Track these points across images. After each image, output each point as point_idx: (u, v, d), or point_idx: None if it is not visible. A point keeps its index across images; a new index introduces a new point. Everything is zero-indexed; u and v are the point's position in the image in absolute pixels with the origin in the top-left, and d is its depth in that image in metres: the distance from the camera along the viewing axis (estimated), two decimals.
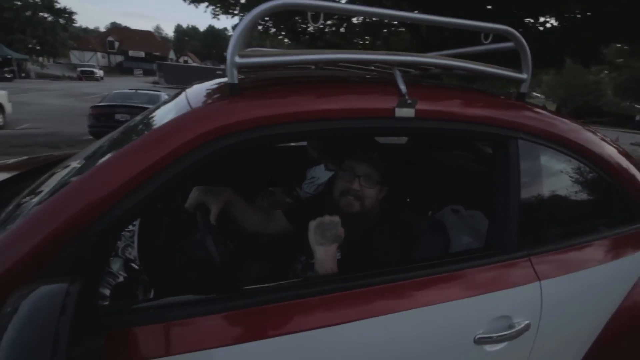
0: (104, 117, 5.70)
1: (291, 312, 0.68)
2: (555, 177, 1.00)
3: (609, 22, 4.26)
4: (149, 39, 48.69)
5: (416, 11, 5.50)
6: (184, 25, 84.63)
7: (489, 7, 5.16)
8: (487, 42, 0.90)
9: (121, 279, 0.73)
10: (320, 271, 0.87)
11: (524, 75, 0.92)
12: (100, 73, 29.32)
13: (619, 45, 5.19)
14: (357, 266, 0.90)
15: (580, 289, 0.92)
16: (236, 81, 0.66)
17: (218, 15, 7.30)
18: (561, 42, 5.09)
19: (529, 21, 5.45)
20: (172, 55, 51.78)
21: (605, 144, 1.06)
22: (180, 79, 28.07)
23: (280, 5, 0.63)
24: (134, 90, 6.70)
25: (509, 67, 0.95)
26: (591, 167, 1.01)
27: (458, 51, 1.13)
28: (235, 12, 7.05)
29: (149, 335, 0.60)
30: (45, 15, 24.12)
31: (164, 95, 6.63)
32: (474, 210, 1.22)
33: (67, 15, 25.46)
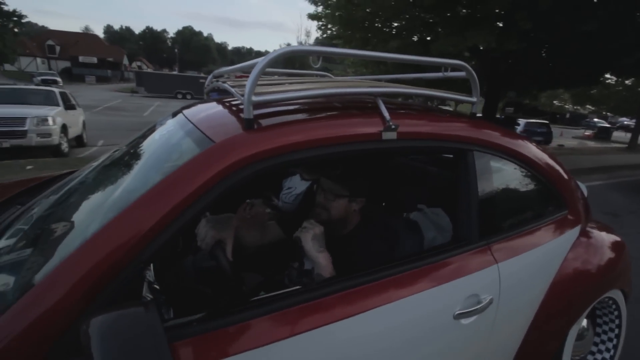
0: None
1: (300, 314, 0.77)
2: (502, 178, 1.24)
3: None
4: (96, 43, 45.38)
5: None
6: (116, 27, 79.40)
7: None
8: (448, 71, 1.12)
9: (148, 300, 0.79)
10: (324, 274, 0.99)
11: (473, 99, 1.15)
12: (61, 82, 25.54)
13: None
14: (340, 266, 1.01)
15: (527, 267, 1.16)
16: (252, 116, 0.78)
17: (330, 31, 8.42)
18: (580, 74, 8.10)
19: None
20: (125, 60, 48.91)
21: (534, 148, 1.31)
22: (161, 88, 26.62)
23: (290, 52, 0.77)
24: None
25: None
26: (526, 169, 1.26)
27: (424, 75, 1.34)
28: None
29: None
30: None
31: None
32: (435, 207, 1.41)
33: (16, 18, 22.02)
